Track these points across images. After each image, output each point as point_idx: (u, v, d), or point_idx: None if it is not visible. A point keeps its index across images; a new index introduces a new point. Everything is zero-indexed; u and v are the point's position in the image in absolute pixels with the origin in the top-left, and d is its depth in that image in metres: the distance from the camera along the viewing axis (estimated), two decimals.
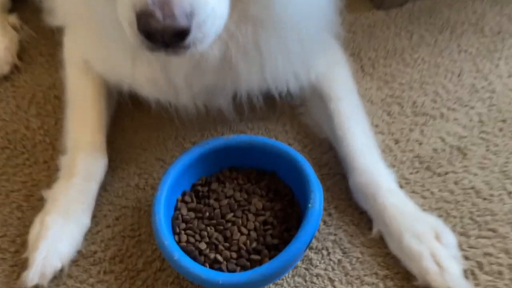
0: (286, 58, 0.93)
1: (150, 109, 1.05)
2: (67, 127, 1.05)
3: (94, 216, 0.98)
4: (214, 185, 0.94)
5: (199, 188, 0.94)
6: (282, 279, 0.88)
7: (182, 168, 0.92)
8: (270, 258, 0.82)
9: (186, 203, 0.92)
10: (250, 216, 0.89)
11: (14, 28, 1.32)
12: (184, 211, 0.90)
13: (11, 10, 1.37)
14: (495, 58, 1.18)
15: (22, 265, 0.92)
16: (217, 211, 0.89)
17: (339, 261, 0.91)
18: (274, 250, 0.84)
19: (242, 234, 0.86)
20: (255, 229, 0.87)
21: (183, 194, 0.93)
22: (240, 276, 0.80)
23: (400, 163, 1.03)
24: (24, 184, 1.04)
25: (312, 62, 1.02)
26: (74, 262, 0.93)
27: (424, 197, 0.98)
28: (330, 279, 0.89)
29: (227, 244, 0.85)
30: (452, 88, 1.14)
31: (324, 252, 0.92)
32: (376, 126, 1.08)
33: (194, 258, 0.83)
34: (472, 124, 1.07)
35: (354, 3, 1.30)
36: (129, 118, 1.12)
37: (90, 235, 0.96)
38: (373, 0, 1.32)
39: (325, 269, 0.90)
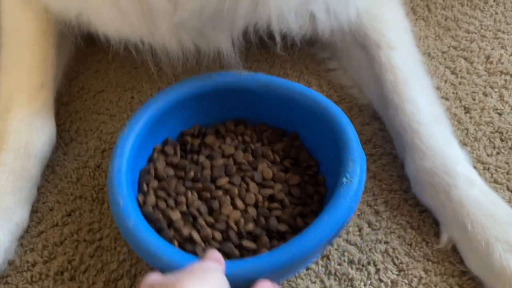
0: None
1: (117, 56, 0.73)
2: None
3: (34, 211, 0.68)
4: (210, 139, 0.68)
5: (188, 138, 0.67)
6: None
7: (168, 105, 0.66)
8: (270, 249, 0.56)
9: (166, 155, 0.66)
10: (252, 186, 0.62)
11: None
12: (160, 164, 0.64)
13: None
14: None
15: None
16: (207, 172, 0.63)
17: (393, 282, 0.61)
18: (279, 239, 0.58)
19: (235, 208, 0.60)
20: (255, 205, 0.61)
21: (165, 142, 0.67)
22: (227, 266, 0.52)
23: (474, 141, 0.72)
24: None
25: None
26: (2, 278, 0.62)
27: (510, 190, 0.68)
28: None
29: (211, 219, 0.59)
30: None
31: (371, 269, 0.62)
32: (438, 89, 0.77)
33: (159, 230, 0.57)
34: None
35: None
36: (89, 71, 0.81)
37: (27, 239, 0.66)
38: None
39: None
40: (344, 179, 0.56)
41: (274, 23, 0.65)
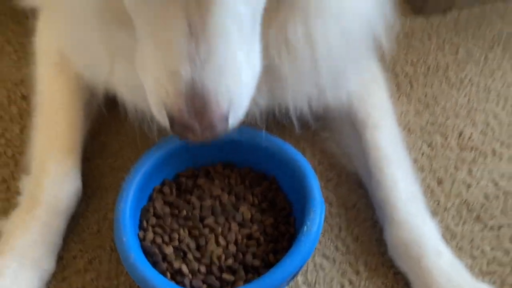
0: (322, 75, 0.73)
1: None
2: (33, 139, 0.83)
3: (60, 258, 0.77)
4: (201, 180, 0.78)
5: (183, 179, 0.78)
6: None
7: (166, 152, 0.77)
8: (246, 282, 0.67)
9: (164, 194, 0.77)
10: (234, 225, 0.73)
11: None
12: (158, 203, 0.75)
13: None
14: None
15: None
16: (196, 211, 0.74)
17: None
18: (253, 273, 0.69)
19: (218, 245, 0.71)
20: (235, 243, 0.71)
21: (163, 183, 0.78)
22: None
23: (444, 211, 0.84)
24: None
25: (343, 78, 0.82)
26: None
27: (473, 257, 0.79)
28: None
29: (198, 254, 0.70)
30: (505, 118, 0.94)
31: None
32: (415, 161, 0.89)
33: (155, 264, 0.68)
34: None
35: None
36: (111, 133, 0.91)
37: (54, 283, 0.76)
38: (412, 3, 1.11)
39: None
40: (305, 227, 0.67)
41: (291, 109, 0.77)
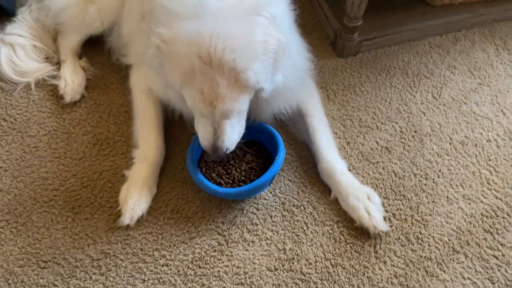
0: (284, 99, 1.54)
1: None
2: (136, 131, 1.63)
3: (157, 186, 1.56)
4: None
5: None
6: (279, 225, 1.48)
7: None
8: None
9: (207, 152, 1.54)
10: (243, 164, 1.54)
11: (83, 69, 1.89)
12: (206, 156, 1.54)
13: (80, 55, 1.93)
14: (413, 92, 1.82)
15: (115, 215, 1.50)
16: (224, 158, 1.52)
17: (311, 213, 1.51)
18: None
19: (237, 172, 1.52)
20: (245, 170, 1.53)
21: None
22: (231, 190, 1.46)
23: (349, 156, 1.64)
24: (111, 166, 1.62)
25: (297, 95, 1.63)
26: (148, 212, 1.50)
27: (363, 177, 1.60)
28: (305, 223, 1.49)
29: (227, 176, 1.51)
30: (384, 110, 1.77)
31: (301, 208, 1.52)
32: (336, 133, 1.70)
33: (209, 180, 1.48)
34: (395, 133, 1.70)
35: (324, 53, 1.93)
36: (178, 126, 1.71)
37: (156, 197, 1.54)
38: (335, 50, 1.95)
39: (302, 217, 1.50)
40: (276, 159, 1.48)
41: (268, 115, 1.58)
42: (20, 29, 1.90)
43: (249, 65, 1.25)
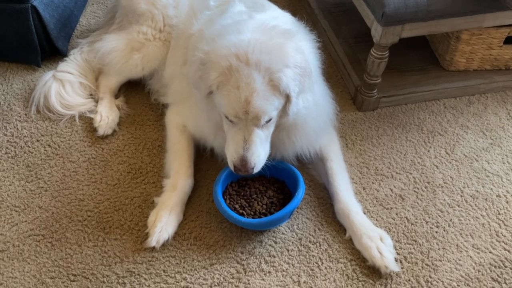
0: (306, 139, 1.68)
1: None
2: (168, 163, 1.78)
3: (184, 214, 1.67)
4: (250, 181, 1.71)
5: (241, 181, 1.71)
6: (295, 258, 1.57)
7: (230, 171, 1.65)
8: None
9: (232, 187, 1.68)
10: (265, 198, 1.67)
11: (118, 107, 2.07)
12: (230, 189, 1.67)
13: (117, 95, 2.13)
14: (428, 146, 1.95)
15: (143, 237, 1.61)
16: (248, 192, 1.67)
17: (326, 250, 1.60)
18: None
19: (258, 205, 1.64)
20: (266, 204, 1.65)
21: (231, 182, 1.70)
22: (252, 220, 1.57)
23: (365, 201, 1.75)
24: (141, 193, 1.75)
25: (319, 139, 1.77)
26: (173, 237, 1.61)
27: (377, 220, 1.69)
28: (320, 258, 1.57)
29: (249, 208, 1.63)
30: (399, 161, 1.88)
31: (317, 244, 1.61)
32: (353, 179, 1.81)
33: (233, 211, 1.60)
34: (409, 182, 1.81)
35: (344, 106, 2.08)
36: (208, 162, 1.85)
37: (181, 224, 1.66)
38: (355, 104, 2.10)
39: (317, 253, 1.59)
40: (296, 195, 1.60)
41: (290, 155, 1.72)
42: (70, 67, 2.11)
43: (282, 68, 1.41)
